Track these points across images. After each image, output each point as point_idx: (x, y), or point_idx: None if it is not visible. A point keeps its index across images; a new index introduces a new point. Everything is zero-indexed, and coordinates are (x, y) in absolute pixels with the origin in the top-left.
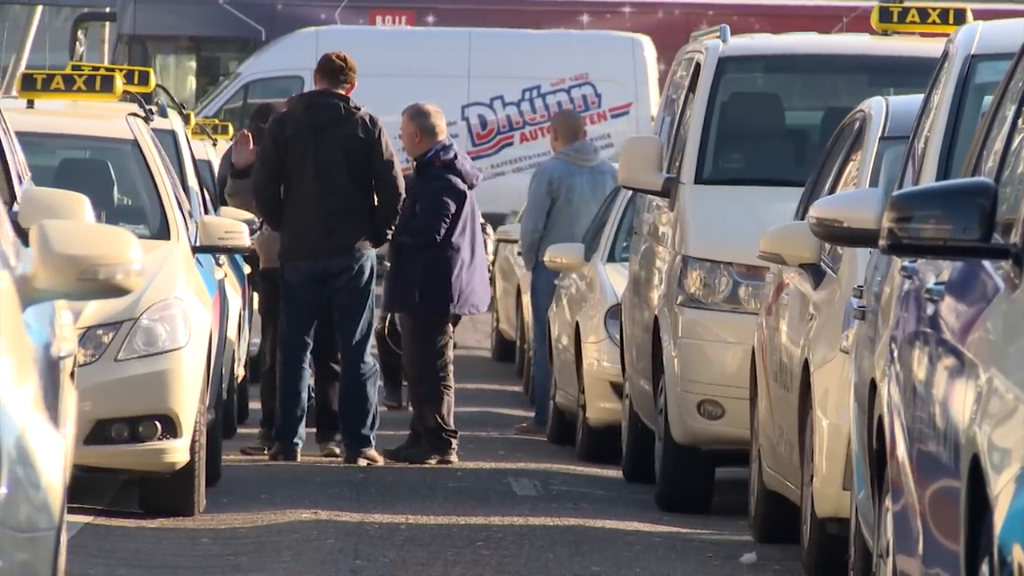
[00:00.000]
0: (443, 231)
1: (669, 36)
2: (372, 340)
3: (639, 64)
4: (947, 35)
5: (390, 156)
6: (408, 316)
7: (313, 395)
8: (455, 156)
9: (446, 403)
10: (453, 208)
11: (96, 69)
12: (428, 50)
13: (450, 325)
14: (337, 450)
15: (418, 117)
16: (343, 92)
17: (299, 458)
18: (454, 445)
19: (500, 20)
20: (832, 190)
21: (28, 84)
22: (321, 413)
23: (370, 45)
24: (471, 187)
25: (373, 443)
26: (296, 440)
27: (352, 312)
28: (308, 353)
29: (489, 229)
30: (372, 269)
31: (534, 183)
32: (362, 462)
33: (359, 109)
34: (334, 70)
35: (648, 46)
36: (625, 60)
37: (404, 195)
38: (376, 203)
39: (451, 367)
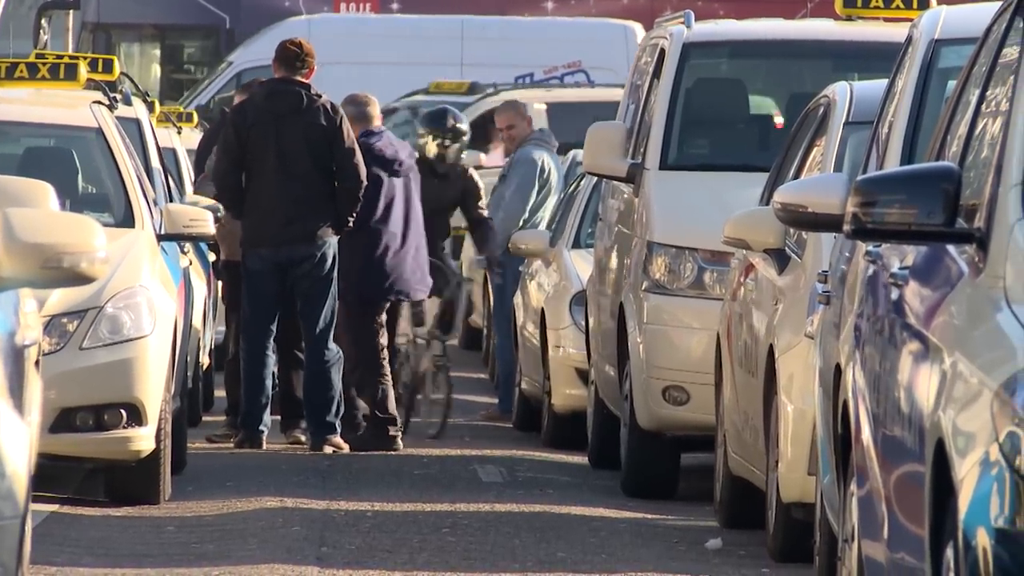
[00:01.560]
0: (354, 217)
1: (634, 22)
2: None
3: (632, 51)
4: (911, 20)
5: (351, 144)
6: (341, 303)
7: (277, 383)
8: (377, 142)
9: (381, 391)
10: (370, 194)
11: (60, 57)
12: (421, 38)
13: (383, 313)
14: (303, 437)
15: (347, 105)
16: (302, 79)
17: (264, 446)
18: (392, 432)
19: (465, 6)
20: (797, 175)
21: None
22: (285, 400)
23: (362, 33)
24: (394, 174)
25: (338, 430)
26: (261, 428)
27: (314, 300)
28: (271, 341)
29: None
30: (334, 257)
31: (526, 168)
32: (328, 449)
33: (320, 96)
34: (290, 57)
35: (641, 33)
36: (618, 47)
37: (365, 182)
38: (337, 190)
39: (385, 354)
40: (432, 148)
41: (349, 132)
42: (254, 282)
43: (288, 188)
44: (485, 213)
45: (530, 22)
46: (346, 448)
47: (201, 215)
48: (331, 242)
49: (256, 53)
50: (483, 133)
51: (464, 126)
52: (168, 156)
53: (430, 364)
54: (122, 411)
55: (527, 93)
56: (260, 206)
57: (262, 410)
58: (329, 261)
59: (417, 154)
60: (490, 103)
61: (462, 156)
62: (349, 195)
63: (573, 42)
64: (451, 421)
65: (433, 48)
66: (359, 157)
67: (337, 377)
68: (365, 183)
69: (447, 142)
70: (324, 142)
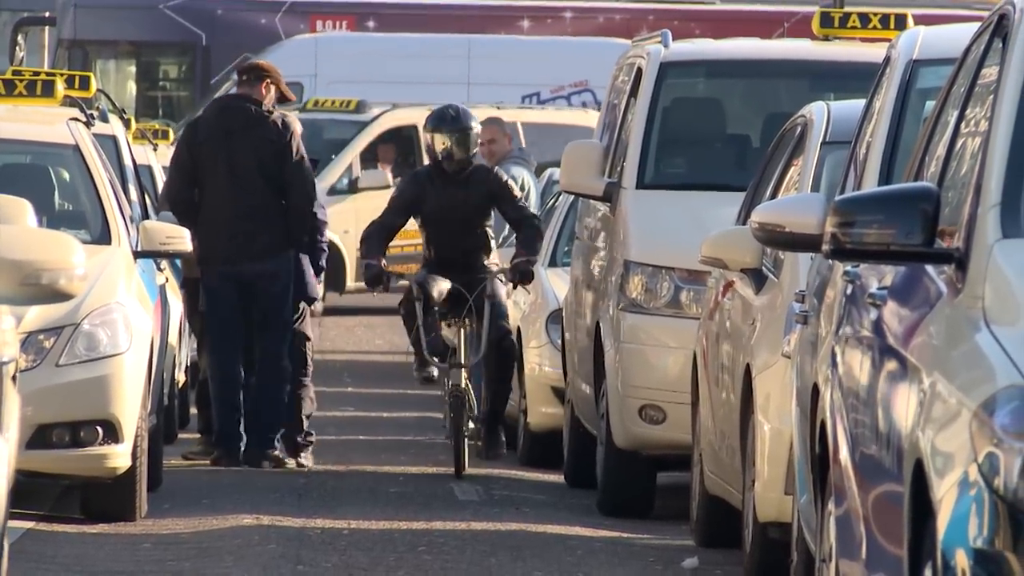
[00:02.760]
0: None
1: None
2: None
3: None
4: (888, 40)
5: (300, 159)
6: None
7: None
8: None
9: (297, 405)
10: None
11: (37, 74)
12: (428, 57)
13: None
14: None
15: None
16: (258, 96)
17: (242, 458)
18: (300, 447)
19: (441, 25)
20: (774, 195)
21: None
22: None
23: (369, 51)
24: None
25: (277, 446)
26: (240, 444)
27: (269, 316)
28: (238, 356)
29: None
30: (290, 272)
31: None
32: (265, 465)
33: (272, 112)
34: (248, 73)
35: None
36: None
37: (316, 198)
38: (287, 207)
39: (307, 369)
40: (440, 149)
41: (299, 148)
42: (212, 299)
43: (239, 204)
44: (532, 209)
45: (537, 41)
46: (292, 463)
47: (178, 232)
48: (286, 257)
49: None
50: (374, 154)
51: (473, 122)
52: (144, 173)
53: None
54: (98, 428)
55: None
56: (212, 222)
57: (236, 426)
58: (283, 278)
59: (430, 162)
60: (385, 122)
61: (475, 153)
62: (297, 211)
63: (580, 61)
64: (426, 439)
65: (440, 67)
66: (309, 172)
67: (283, 395)
68: (316, 199)
69: (455, 140)
70: (274, 158)
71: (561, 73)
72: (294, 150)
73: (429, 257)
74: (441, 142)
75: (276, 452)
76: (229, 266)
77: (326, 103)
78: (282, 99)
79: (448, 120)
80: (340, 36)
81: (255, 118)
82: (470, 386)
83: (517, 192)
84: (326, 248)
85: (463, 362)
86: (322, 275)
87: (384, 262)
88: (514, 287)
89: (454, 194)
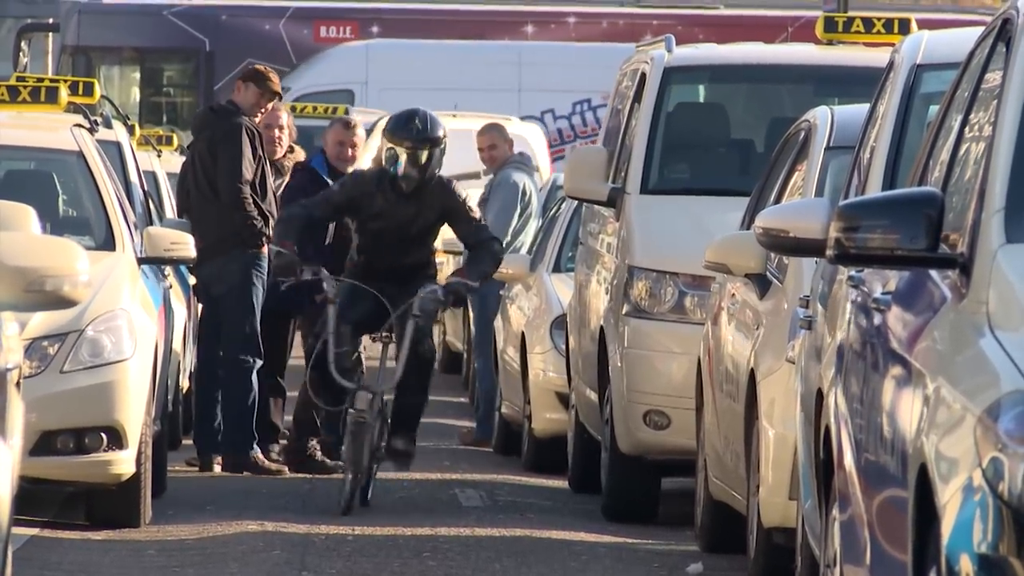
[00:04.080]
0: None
1: None
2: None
3: None
4: (892, 45)
5: (227, 161)
6: None
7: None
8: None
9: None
10: None
11: (40, 80)
12: (478, 64)
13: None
14: (279, 460)
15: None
16: (236, 99)
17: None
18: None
19: (445, 31)
20: (778, 200)
21: None
22: (261, 425)
23: (420, 59)
24: None
25: (222, 449)
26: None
27: (225, 316)
28: (215, 358)
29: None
30: (243, 272)
31: (508, 191)
32: (216, 468)
33: (228, 116)
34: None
35: None
36: None
37: (245, 197)
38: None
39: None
40: (402, 160)
41: (230, 151)
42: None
43: (196, 207)
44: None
45: (588, 48)
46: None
47: (182, 238)
48: (232, 257)
49: (313, 78)
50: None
51: (441, 133)
52: (148, 179)
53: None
54: (102, 434)
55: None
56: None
57: (213, 432)
58: (233, 278)
59: (387, 171)
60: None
61: (438, 168)
62: (230, 211)
63: None
64: (430, 445)
65: (490, 73)
66: (235, 175)
67: (236, 398)
68: (244, 198)
69: (416, 155)
70: (212, 160)
71: (612, 79)
72: (222, 151)
73: (358, 263)
74: (401, 154)
75: (219, 457)
76: (196, 269)
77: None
78: (268, 95)
79: (413, 131)
80: (391, 43)
81: (206, 121)
82: (383, 408)
83: (476, 212)
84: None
85: (374, 385)
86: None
87: (295, 249)
88: (444, 308)
89: (403, 209)
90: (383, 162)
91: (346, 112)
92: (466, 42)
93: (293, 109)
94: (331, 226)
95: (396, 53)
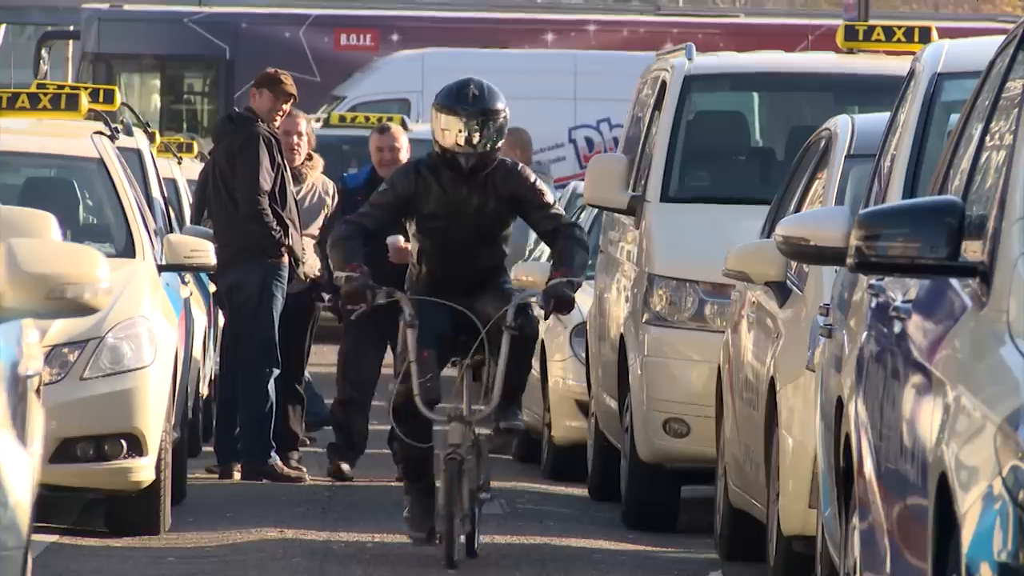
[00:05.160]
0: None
1: None
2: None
3: None
4: (912, 53)
5: (244, 172)
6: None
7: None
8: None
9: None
10: None
11: (62, 87)
12: (534, 73)
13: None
14: (301, 468)
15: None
16: (254, 105)
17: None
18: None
19: (463, 38)
20: (798, 208)
21: None
22: (281, 433)
23: (476, 68)
24: None
25: (238, 457)
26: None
27: (243, 325)
28: (233, 366)
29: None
30: (262, 282)
31: None
32: (236, 475)
33: (246, 126)
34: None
35: None
36: None
37: (261, 209)
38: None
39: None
40: (454, 138)
41: (248, 162)
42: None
43: (216, 216)
44: (563, 214)
45: (644, 57)
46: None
47: (202, 246)
48: (251, 267)
49: (370, 87)
50: None
51: (501, 104)
52: (169, 186)
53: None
54: (122, 441)
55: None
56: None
57: (233, 440)
58: (252, 288)
59: (436, 152)
60: None
61: (498, 147)
62: (245, 221)
63: None
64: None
65: (546, 82)
66: (253, 182)
67: (254, 406)
68: (262, 210)
69: (477, 125)
70: (230, 169)
71: None
72: (240, 161)
73: (421, 275)
74: (457, 127)
75: (237, 464)
76: (218, 278)
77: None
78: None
79: (468, 99)
80: (446, 52)
81: (223, 130)
82: (477, 440)
83: (548, 195)
84: None
85: (467, 415)
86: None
87: (366, 271)
88: (546, 316)
89: (467, 196)
90: (436, 144)
91: (402, 122)
92: (521, 51)
93: (343, 119)
94: None
95: (452, 62)
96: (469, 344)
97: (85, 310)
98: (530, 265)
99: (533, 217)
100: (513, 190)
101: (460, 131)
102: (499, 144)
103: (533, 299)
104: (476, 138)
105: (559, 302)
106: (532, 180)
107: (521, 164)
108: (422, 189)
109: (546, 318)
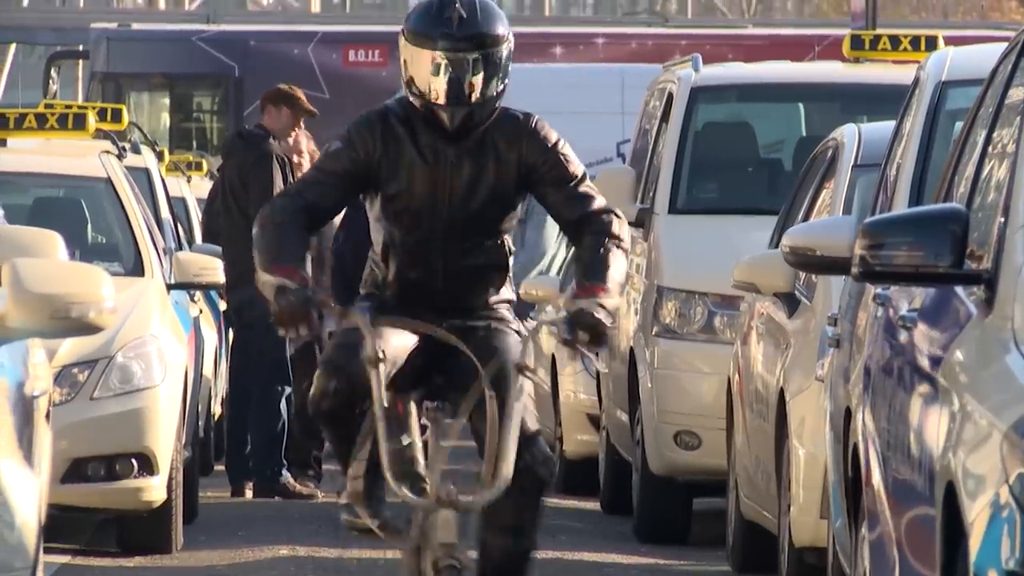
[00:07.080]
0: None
1: None
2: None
3: None
4: (918, 62)
5: (258, 190)
6: None
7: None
8: None
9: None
10: None
11: (69, 107)
12: (581, 87)
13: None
14: (312, 485)
15: None
16: (266, 123)
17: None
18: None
19: None
20: (805, 218)
21: (0, 123)
22: (294, 449)
23: (521, 82)
24: None
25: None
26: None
27: (254, 343)
28: (245, 385)
29: None
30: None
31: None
32: (248, 493)
33: (257, 141)
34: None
35: None
36: None
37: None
38: None
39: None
40: (433, 79)
41: (262, 179)
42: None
43: (226, 233)
44: (595, 196)
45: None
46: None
47: (211, 264)
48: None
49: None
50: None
51: (500, 26)
52: (178, 205)
53: None
54: (133, 461)
55: None
56: None
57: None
58: (260, 308)
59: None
60: None
61: (501, 90)
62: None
63: None
64: (462, 468)
65: (594, 97)
66: (265, 201)
67: (265, 425)
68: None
69: (466, 57)
70: (241, 185)
71: None
72: (254, 177)
73: (386, 281)
74: (436, 66)
75: (250, 483)
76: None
77: None
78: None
79: (452, 22)
80: None
81: (234, 147)
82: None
83: (576, 165)
84: None
85: (452, 499)
86: None
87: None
88: (568, 345)
89: (452, 168)
90: (407, 90)
91: None
92: (568, 65)
93: None
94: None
95: None
96: (447, 388)
97: (90, 329)
98: (539, 279)
99: (551, 198)
100: (523, 155)
101: (441, 72)
102: (501, 89)
103: (552, 326)
104: (466, 82)
105: (588, 331)
106: (552, 141)
107: (537, 117)
108: (393, 152)
109: (573, 351)
